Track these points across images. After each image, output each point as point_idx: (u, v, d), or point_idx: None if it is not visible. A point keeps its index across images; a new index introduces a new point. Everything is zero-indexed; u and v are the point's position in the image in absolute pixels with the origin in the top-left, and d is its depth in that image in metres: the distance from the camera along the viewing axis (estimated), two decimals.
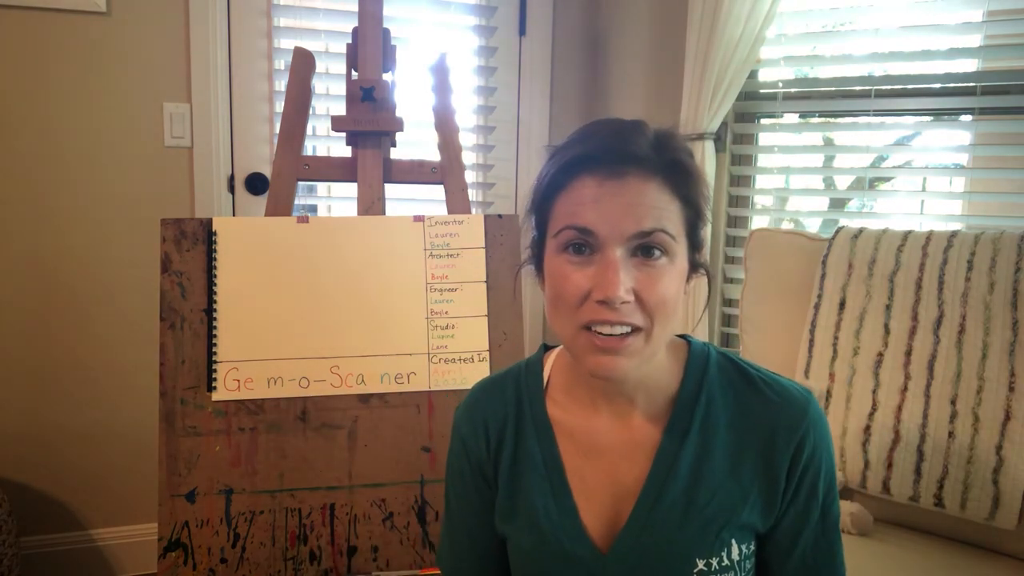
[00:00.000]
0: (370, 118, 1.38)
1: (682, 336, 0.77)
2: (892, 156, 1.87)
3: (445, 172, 1.43)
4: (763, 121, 1.82)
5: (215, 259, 1.25)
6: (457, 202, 1.42)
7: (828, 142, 2.01)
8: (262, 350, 1.24)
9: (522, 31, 2.08)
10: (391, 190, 1.44)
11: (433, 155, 1.48)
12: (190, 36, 1.78)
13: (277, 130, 1.53)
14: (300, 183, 1.42)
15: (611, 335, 0.63)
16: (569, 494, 0.72)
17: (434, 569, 1.22)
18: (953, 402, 1.21)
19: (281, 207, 1.36)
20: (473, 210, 1.52)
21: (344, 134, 1.41)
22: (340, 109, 1.46)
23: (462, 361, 1.29)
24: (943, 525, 1.24)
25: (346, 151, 1.43)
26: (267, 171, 1.89)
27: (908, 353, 1.28)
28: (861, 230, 1.40)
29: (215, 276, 1.24)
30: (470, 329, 1.30)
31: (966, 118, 1.59)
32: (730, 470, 0.70)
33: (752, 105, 1.80)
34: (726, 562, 0.68)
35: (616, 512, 0.71)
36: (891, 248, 1.34)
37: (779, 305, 1.50)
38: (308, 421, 1.23)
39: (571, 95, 2.14)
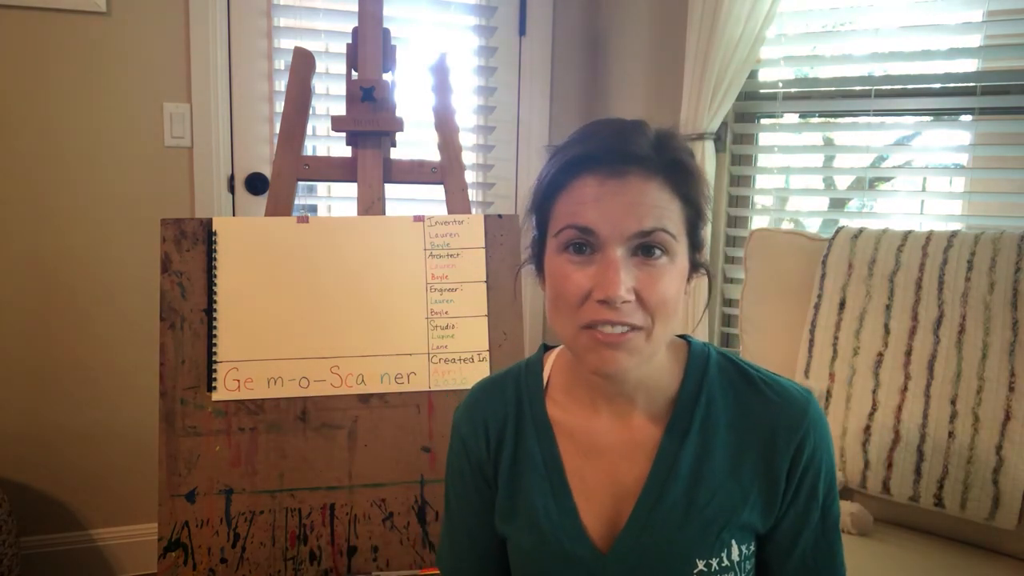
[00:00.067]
0: (370, 118, 1.38)
1: (682, 336, 0.77)
2: (892, 156, 1.87)
3: (445, 172, 1.43)
4: (763, 121, 1.82)
5: (215, 259, 1.25)
6: (457, 202, 1.42)
7: (828, 142, 2.01)
8: (262, 350, 1.24)
9: (522, 31, 2.08)
10: (391, 190, 1.44)
11: (433, 155, 1.48)
12: (190, 36, 1.78)
13: (277, 130, 1.53)
14: (300, 183, 1.42)
15: (612, 331, 0.63)
16: (569, 494, 0.72)
17: (434, 569, 1.22)
18: (953, 402, 1.21)
19: (281, 207, 1.36)
20: (473, 210, 1.52)
21: (344, 134, 1.41)
22: (340, 109, 1.46)
23: (462, 361, 1.29)
24: (943, 525, 1.24)
25: (346, 151, 1.43)
26: (267, 171, 1.89)
27: (908, 353, 1.28)
28: (861, 230, 1.40)
29: (215, 276, 1.24)
30: (470, 329, 1.30)
31: (966, 118, 1.59)
32: (730, 470, 0.70)
33: (752, 105, 1.80)
34: (726, 563, 0.68)
35: (616, 512, 0.71)
36: (891, 248, 1.34)
37: (779, 305, 1.50)
38: (308, 421, 1.23)
39: (571, 95, 2.14)
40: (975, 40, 1.55)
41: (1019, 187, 1.62)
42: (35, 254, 1.76)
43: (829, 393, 1.34)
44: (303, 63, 1.40)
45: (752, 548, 0.71)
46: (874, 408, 1.28)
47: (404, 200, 1.94)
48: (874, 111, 1.65)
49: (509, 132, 2.11)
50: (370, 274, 1.29)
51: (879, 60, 1.65)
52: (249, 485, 1.20)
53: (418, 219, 1.32)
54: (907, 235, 1.34)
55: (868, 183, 1.70)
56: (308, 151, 1.72)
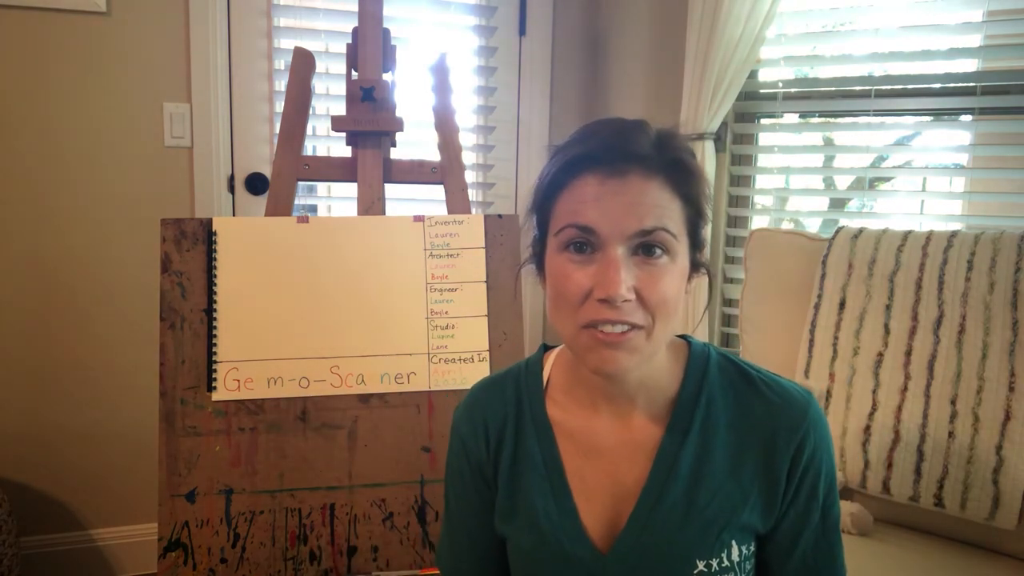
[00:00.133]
0: (370, 118, 1.38)
1: (682, 336, 0.77)
2: (892, 156, 1.87)
3: (445, 172, 1.43)
4: (763, 121, 1.82)
5: (215, 259, 1.25)
6: (457, 202, 1.42)
7: (828, 142, 2.01)
8: (262, 350, 1.24)
9: (522, 31, 2.08)
10: (391, 190, 1.44)
11: (433, 155, 1.48)
12: (190, 36, 1.78)
13: (277, 130, 1.53)
14: (300, 183, 1.42)
15: (612, 331, 0.63)
16: (569, 495, 0.72)
17: (434, 569, 1.22)
18: (953, 402, 1.21)
19: (281, 207, 1.36)
20: (473, 210, 1.52)
21: (344, 134, 1.41)
22: (340, 109, 1.46)
23: (462, 361, 1.29)
24: (943, 525, 1.24)
25: (346, 151, 1.43)
26: (267, 171, 1.89)
27: (908, 353, 1.28)
28: (861, 230, 1.40)
29: (215, 276, 1.24)
30: (470, 329, 1.30)
31: (966, 118, 1.59)
32: (730, 471, 0.70)
33: (752, 105, 1.80)
34: (726, 563, 0.68)
35: (616, 513, 0.71)
36: (891, 248, 1.34)
37: (779, 305, 1.50)
38: (308, 421, 1.23)
39: (571, 95, 2.14)
40: (975, 40, 1.55)
41: (1019, 187, 1.62)
42: (35, 254, 1.76)
43: (829, 393, 1.34)
44: (303, 63, 1.40)
45: (752, 548, 0.71)
46: (874, 408, 1.28)
47: (404, 200, 1.94)
48: (874, 111, 1.65)
49: (509, 132, 2.11)
50: (370, 274, 1.29)
51: (879, 60, 1.65)
52: (249, 485, 1.20)
53: (418, 219, 1.32)
54: (907, 235, 1.34)
55: (868, 183, 1.70)
56: (308, 151, 1.72)
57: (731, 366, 0.74)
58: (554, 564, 0.71)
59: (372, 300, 1.28)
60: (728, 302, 1.87)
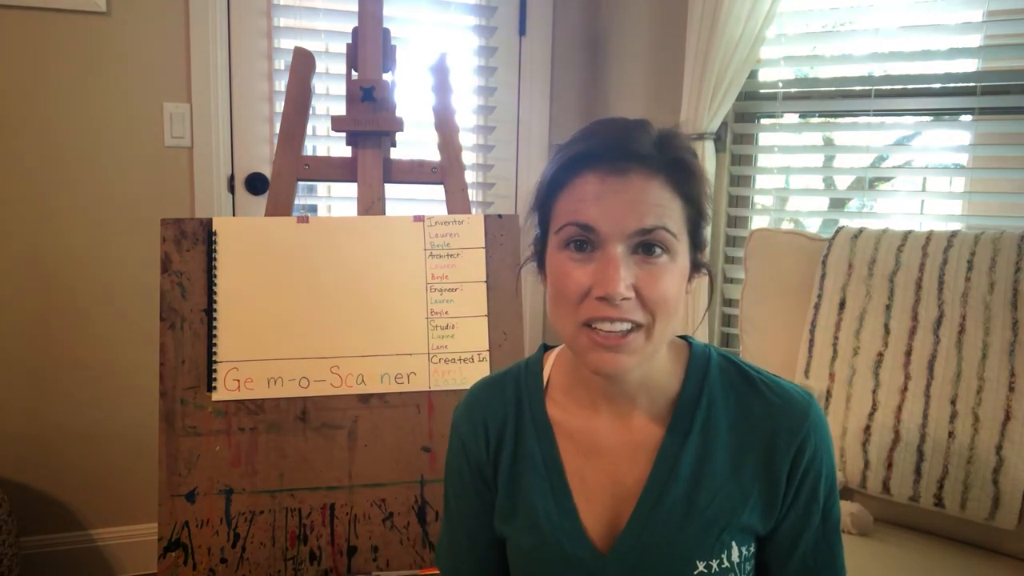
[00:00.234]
0: (370, 118, 1.38)
1: (683, 337, 0.77)
2: (892, 156, 1.87)
3: (445, 172, 1.43)
4: (763, 121, 1.82)
5: (215, 259, 1.25)
6: (457, 202, 1.42)
7: (828, 142, 2.01)
8: (262, 350, 1.24)
9: (522, 31, 2.08)
10: (391, 190, 1.44)
11: (433, 155, 1.48)
12: (190, 36, 1.78)
13: (277, 130, 1.53)
14: (300, 183, 1.42)
15: (611, 332, 0.63)
16: (569, 495, 0.72)
17: (434, 569, 1.22)
18: (953, 402, 1.21)
19: (281, 207, 1.36)
20: (473, 210, 1.52)
21: (344, 134, 1.41)
22: (340, 109, 1.46)
23: (462, 361, 1.29)
24: (943, 525, 1.24)
25: (346, 151, 1.43)
26: (267, 171, 1.89)
27: (908, 353, 1.28)
28: (861, 230, 1.40)
29: (215, 276, 1.24)
30: (470, 329, 1.30)
31: (966, 118, 1.59)
32: (731, 472, 0.70)
33: (752, 105, 1.80)
34: (726, 564, 0.68)
35: (616, 513, 0.71)
36: (891, 248, 1.34)
37: (779, 305, 1.50)
38: (308, 421, 1.23)
39: (571, 95, 2.14)
40: (975, 40, 1.55)
41: (1019, 187, 1.62)
42: (35, 254, 1.76)
43: (829, 393, 1.34)
44: (303, 63, 1.40)
45: (752, 550, 0.71)
46: (874, 408, 1.28)
47: (404, 200, 1.93)
48: (874, 111, 1.65)
49: (509, 132, 2.11)
50: (370, 274, 1.29)
51: (879, 60, 1.65)
52: (249, 485, 1.20)
53: (418, 219, 1.32)
54: (907, 235, 1.34)
55: (868, 183, 1.70)
56: (308, 151, 1.72)
57: (732, 367, 0.74)
58: (554, 564, 0.71)
59: (372, 300, 1.28)
60: (728, 302, 1.87)
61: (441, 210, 1.48)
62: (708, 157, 1.70)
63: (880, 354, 1.30)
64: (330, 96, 1.95)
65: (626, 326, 0.63)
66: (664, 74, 1.91)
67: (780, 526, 0.70)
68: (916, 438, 1.23)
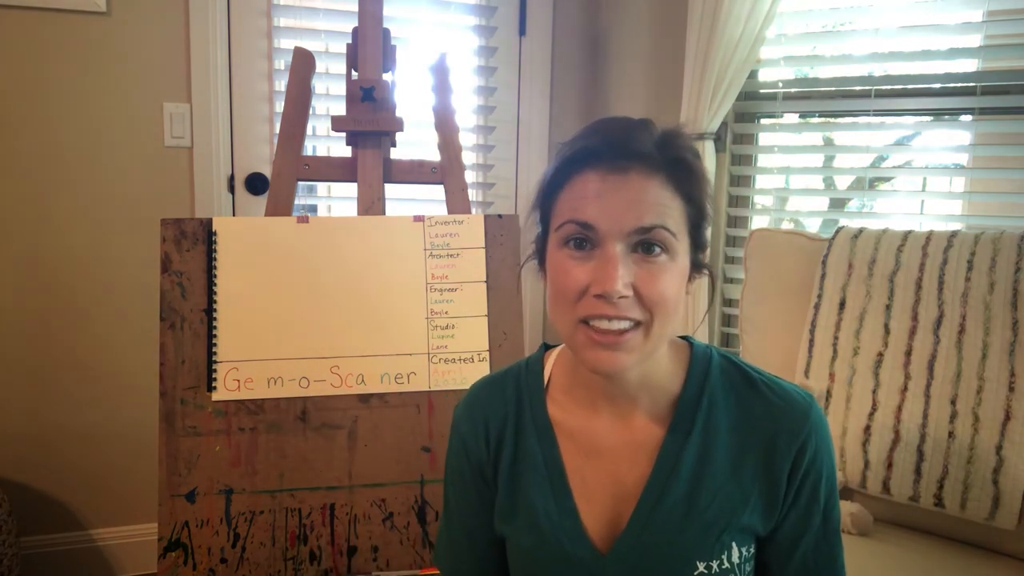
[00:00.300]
0: (370, 118, 1.38)
1: (684, 338, 0.77)
2: (892, 156, 1.87)
3: (445, 172, 1.43)
4: (763, 121, 1.82)
5: (215, 259, 1.25)
6: (457, 202, 1.42)
7: (828, 142, 2.01)
8: (262, 350, 1.24)
9: (522, 31, 2.08)
10: (391, 190, 1.44)
11: (433, 155, 1.48)
12: (190, 36, 1.78)
13: (277, 130, 1.53)
14: (300, 183, 1.42)
15: (609, 330, 0.63)
16: (569, 495, 0.72)
17: (434, 569, 1.22)
18: (953, 402, 1.21)
19: (281, 207, 1.36)
20: (473, 210, 1.52)
21: (344, 134, 1.41)
22: (340, 109, 1.46)
23: (462, 361, 1.29)
24: (943, 525, 1.24)
25: (346, 151, 1.43)
26: (267, 171, 1.89)
27: (908, 353, 1.28)
28: (861, 230, 1.40)
29: (215, 276, 1.24)
30: (470, 329, 1.30)
31: (966, 118, 1.59)
32: (731, 473, 0.70)
33: (752, 105, 1.80)
34: (726, 564, 0.68)
35: (616, 513, 0.71)
36: (891, 248, 1.34)
37: (779, 305, 1.50)
38: (308, 421, 1.23)
39: (571, 95, 2.14)
40: (975, 40, 1.55)
41: (1019, 187, 1.62)
42: (35, 254, 1.76)
43: (829, 393, 1.34)
44: (303, 63, 1.40)
45: (752, 550, 0.71)
46: (874, 408, 1.28)
47: (404, 200, 1.93)
48: (874, 111, 1.65)
49: (509, 132, 2.11)
50: (370, 274, 1.29)
51: (879, 60, 1.65)
52: (249, 485, 1.20)
53: (418, 219, 1.32)
54: (907, 235, 1.34)
55: (868, 183, 1.70)
56: (308, 151, 1.72)
57: (733, 368, 0.74)
58: (554, 564, 0.71)
59: (372, 300, 1.28)
60: (728, 302, 1.87)
61: (441, 210, 1.48)
62: (708, 157, 1.70)
63: (880, 354, 1.30)
64: (330, 96, 1.95)
65: (624, 324, 0.63)
66: (664, 74, 1.91)
67: (780, 527, 0.70)
68: (916, 438, 1.23)
